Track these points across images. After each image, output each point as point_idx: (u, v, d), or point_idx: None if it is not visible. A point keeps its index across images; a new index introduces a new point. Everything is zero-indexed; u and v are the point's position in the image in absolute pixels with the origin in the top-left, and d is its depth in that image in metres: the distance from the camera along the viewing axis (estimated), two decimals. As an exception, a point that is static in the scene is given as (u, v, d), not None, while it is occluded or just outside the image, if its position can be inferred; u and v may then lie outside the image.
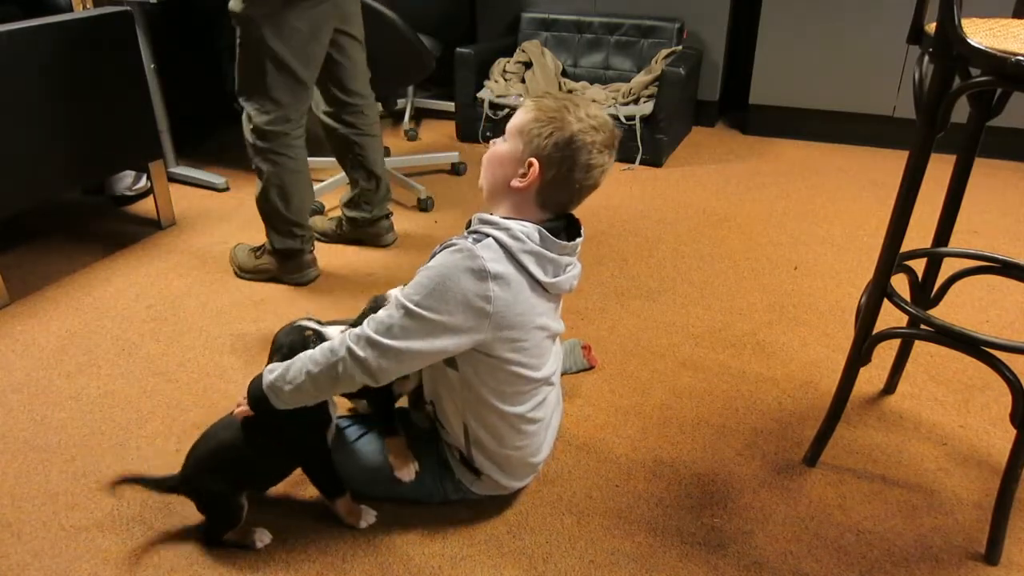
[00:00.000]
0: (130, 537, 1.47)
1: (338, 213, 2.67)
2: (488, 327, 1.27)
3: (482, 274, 1.24)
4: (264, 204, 2.29)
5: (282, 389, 1.31)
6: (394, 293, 1.45)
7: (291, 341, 1.39)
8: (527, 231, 1.29)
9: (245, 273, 2.44)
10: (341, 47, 2.28)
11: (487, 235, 1.29)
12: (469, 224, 1.38)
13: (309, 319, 1.44)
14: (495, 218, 1.32)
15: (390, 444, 1.50)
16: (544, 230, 1.31)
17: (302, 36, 2.11)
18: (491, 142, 1.40)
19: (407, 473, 1.48)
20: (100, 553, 1.43)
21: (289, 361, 1.32)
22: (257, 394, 1.34)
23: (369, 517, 1.49)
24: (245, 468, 1.42)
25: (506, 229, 1.29)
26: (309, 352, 1.31)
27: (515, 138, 1.33)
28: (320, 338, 1.37)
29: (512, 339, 1.31)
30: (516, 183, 1.32)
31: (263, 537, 1.46)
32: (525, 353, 1.35)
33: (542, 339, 1.38)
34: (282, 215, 2.28)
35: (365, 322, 1.29)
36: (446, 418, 1.45)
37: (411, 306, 1.25)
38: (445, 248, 1.30)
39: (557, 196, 1.34)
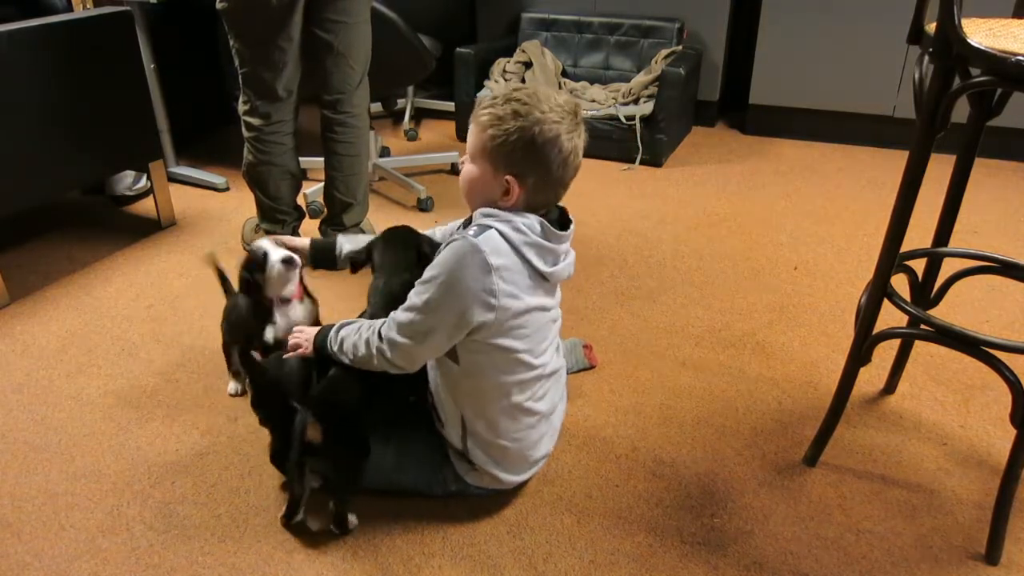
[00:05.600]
0: (130, 537, 1.47)
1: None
2: (493, 318, 1.30)
3: (485, 268, 1.27)
4: (249, 188, 2.42)
5: (336, 355, 1.45)
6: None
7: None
8: (529, 223, 1.32)
9: (246, 244, 2.59)
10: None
11: (489, 227, 1.31)
12: (468, 222, 1.40)
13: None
14: (497, 211, 1.34)
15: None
16: (545, 222, 1.34)
17: (259, 34, 2.14)
18: (460, 161, 1.42)
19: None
20: (100, 553, 1.43)
21: (348, 331, 1.43)
22: (322, 346, 1.47)
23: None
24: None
25: (508, 221, 1.31)
26: (354, 337, 1.40)
27: (481, 160, 1.33)
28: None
29: (514, 327, 1.34)
30: (502, 203, 1.34)
31: (352, 520, 1.49)
32: (526, 340, 1.37)
33: (543, 323, 1.41)
34: (261, 200, 2.40)
35: (389, 319, 1.37)
36: (444, 412, 1.47)
37: (421, 304, 1.31)
38: (449, 243, 1.32)
39: (545, 196, 1.36)
